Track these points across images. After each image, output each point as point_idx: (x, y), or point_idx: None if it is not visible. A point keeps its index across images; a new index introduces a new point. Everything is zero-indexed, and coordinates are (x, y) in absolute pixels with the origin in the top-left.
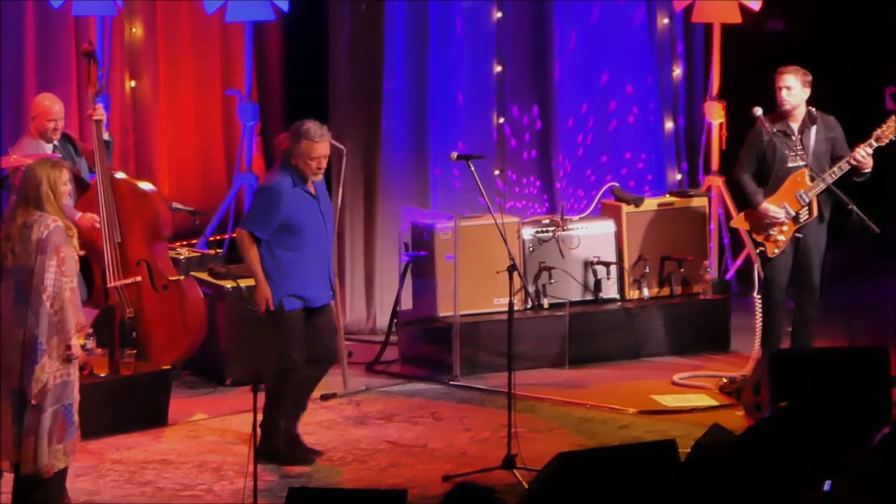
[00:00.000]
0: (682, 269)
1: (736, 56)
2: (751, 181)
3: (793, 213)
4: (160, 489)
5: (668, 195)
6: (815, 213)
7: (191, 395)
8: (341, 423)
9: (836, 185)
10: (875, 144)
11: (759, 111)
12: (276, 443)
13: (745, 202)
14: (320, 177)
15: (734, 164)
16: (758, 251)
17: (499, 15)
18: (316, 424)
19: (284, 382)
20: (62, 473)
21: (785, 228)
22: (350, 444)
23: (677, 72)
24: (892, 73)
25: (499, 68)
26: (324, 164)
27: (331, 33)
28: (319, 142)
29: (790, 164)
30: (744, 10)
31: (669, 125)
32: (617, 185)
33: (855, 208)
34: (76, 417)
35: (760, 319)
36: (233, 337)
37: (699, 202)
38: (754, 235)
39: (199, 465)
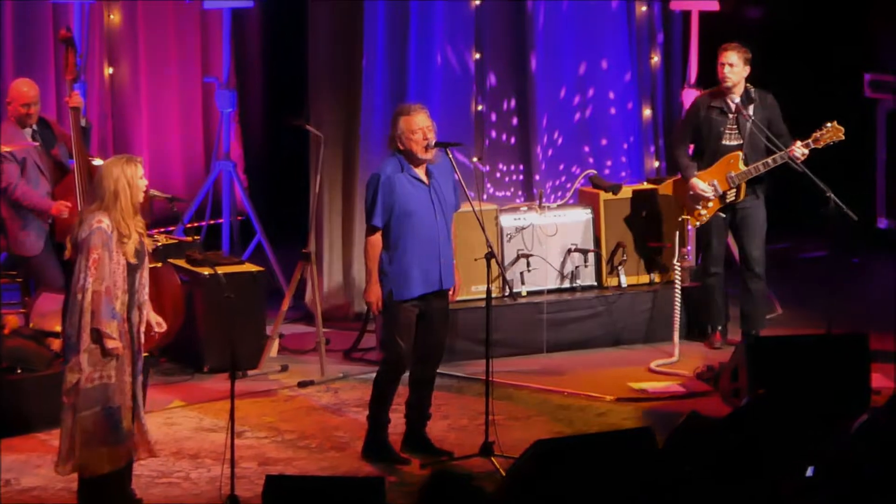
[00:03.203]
0: (661, 257)
1: (714, 44)
2: (685, 155)
3: (720, 192)
4: (136, 476)
5: (645, 182)
6: (743, 195)
7: (168, 382)
8: (319, 410)
9: (814, 173)
10: (812, 146)
11: (736, 99)
12: (381, 439)
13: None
14: (431, 154)
15: (671, 138)
16: (679, 219)
17: (477, 2)
18: (293, 411)
19: (391, 374)
20: (112, 479)
21: (710, 205)
22: (328, 431)
23: (655, 59)
24: (871, 60)
25: (477, 55)
26: (430, 135)
27: (310, 20)
28: (415, 114)
29: (724, 142)
30: None
31: (647, 113)
32: (594, 172)
33: (833, 196)
34: (126, 422)
35: (678, 302)
36: (210, 324)
37: None
38: (680, 204)
39: (177, 452)
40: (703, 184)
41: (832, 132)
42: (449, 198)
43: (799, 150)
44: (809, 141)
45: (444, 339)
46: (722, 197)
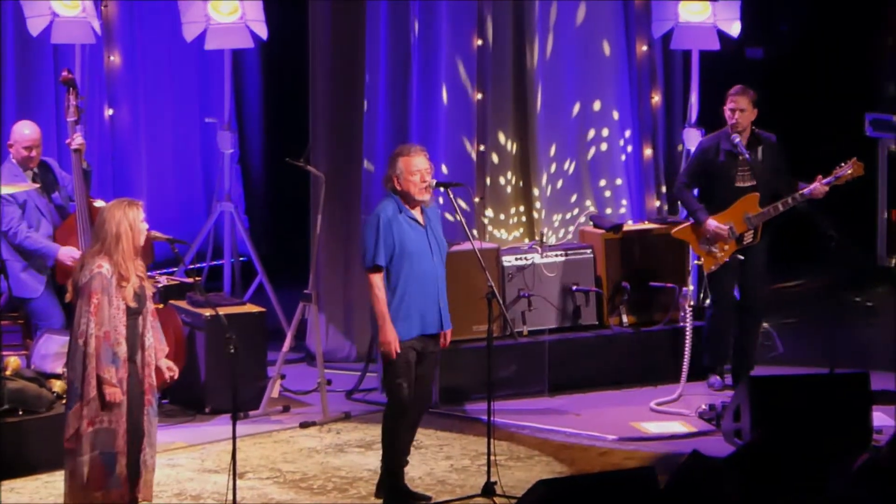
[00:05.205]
0: (662, 296)
1: (715, 83)
2: (692, 197)
3: (737, 234)
4: None
5: (647, 222)
6: (759, 237)
7: (170, 424)
8: (321, 451)
9: (818, 211)
10: (835, 183)
11: (736, 138)
12: (394, 482)
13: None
14: (428, 196)
15: (676, 180)
16: (695, 263)
17: (479, 42)
18: (296, 452)
19: (397, 416)
20: None
21: (726, 247)
22: (330, 472)
23: (656, 99)
24: (872, 100)
25: (479, 96)
26: (428, 177)
27: (311, 60)
28: (415, 155)
29: (738, 185)
30: (722, 36)
31: (648, 152)
32: (596, 212)
33: (836, 236)
34: (119, 467)
35: (689, 339)
36: (212, 365)
37: None
38: (694, 249)
39: (179, 493)
40: (721, 224)
41: (854, 169)
42: (441, 240)
43: (821, 188)
44: (832, 178)
45: (431, 383)
46: (739, 239)
